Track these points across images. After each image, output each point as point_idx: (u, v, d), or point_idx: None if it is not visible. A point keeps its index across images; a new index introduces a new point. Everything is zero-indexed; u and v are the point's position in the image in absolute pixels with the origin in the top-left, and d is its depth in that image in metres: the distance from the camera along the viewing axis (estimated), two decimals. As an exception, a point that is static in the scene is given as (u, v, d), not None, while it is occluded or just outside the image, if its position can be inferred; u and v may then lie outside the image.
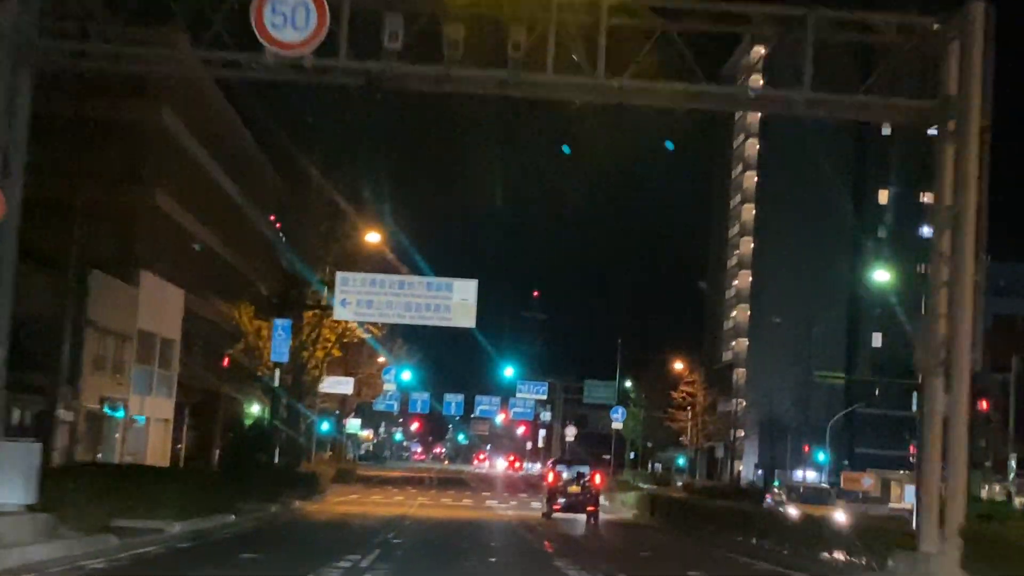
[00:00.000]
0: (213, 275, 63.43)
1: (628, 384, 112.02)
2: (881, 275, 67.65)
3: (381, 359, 75.93)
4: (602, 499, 46.25)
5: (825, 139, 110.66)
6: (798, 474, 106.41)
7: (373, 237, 49.42)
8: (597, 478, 44.50)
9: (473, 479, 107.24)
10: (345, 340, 52.12)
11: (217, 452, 59.35)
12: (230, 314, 52.43)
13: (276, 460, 46.50)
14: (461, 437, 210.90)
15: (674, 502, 46.33)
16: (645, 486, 60.69)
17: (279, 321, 43.08)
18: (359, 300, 43.56)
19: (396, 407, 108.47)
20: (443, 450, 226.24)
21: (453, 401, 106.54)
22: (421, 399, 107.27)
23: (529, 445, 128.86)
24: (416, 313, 43.86)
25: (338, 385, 71.50)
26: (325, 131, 55.45)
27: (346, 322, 51.19)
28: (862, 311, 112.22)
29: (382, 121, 69.14)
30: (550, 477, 45.13)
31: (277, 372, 43.24)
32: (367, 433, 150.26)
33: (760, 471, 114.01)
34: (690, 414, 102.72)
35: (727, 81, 68.81)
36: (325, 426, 75.07)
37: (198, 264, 62.44)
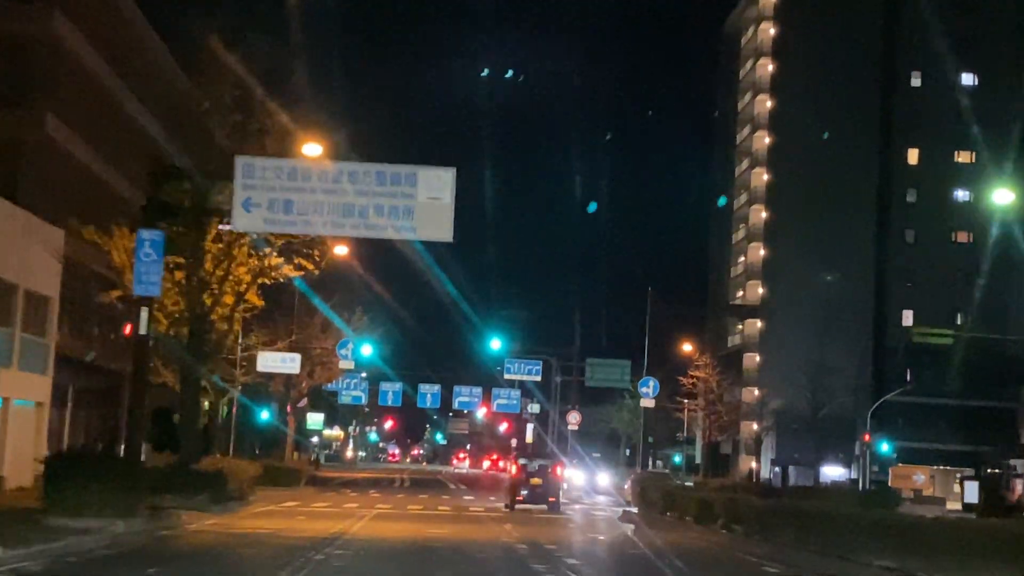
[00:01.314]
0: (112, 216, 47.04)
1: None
2: (1003, 196, 51.04)
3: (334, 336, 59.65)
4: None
5: (846, 92, 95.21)
6: (825, 471, 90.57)
7: (313, 148, 32.41)
8: (558, 470, 45.30)
9: (452, 480, 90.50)
10: (267, 281, 35.53)
11: (123, 447, 43.00)
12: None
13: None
14: (439, 437, 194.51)
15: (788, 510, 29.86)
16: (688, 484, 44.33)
17: (145, 233, 26.52)
18: (272, 201, 27.20)
19: (363, 399, 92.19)
20: (420, 451, 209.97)
21: (428, 392, 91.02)
22: (392, 390, 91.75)
23: (514, 443, 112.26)
24: (361, 220, 27.49)
25: (280, 362, 55.16)
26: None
27: (269, 258, 34.88)
28: (891, 286, 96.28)
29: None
30: (513, 470, 45.43)
31: (144, 314, 26.62)
32: (336, 432, 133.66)
33: (777, 468, 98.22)
34: (701, 403, 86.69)
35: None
36: (265, 415, 58.71)
37: (95, 204, 46.25)
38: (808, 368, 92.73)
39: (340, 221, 27.44)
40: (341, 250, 56.23)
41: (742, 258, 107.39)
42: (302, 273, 34.66)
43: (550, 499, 42.43)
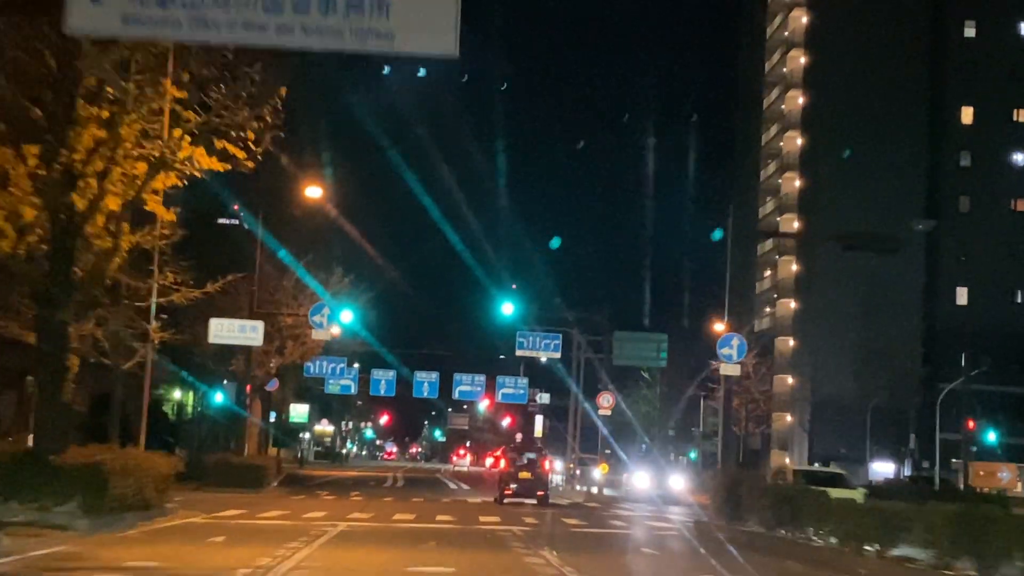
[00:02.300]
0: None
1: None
2: None
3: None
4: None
5: (891, 45, 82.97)
6: (875, 467, 78.09)
7: None
8: (546, 464, 44.60)
9: (453, 478, 77.78)
10: (177, 181, 22.84)
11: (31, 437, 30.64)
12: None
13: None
14: (437, 433, 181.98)
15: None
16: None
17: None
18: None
19: (353, 388, 79.67)
20: (419, 449, 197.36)
21: (426, 381, 78.65)
22: (385, 379, 79.54)
23: (519, 438, 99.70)
24: (296, 20, 15.11)
25: (238, 331, 42.63)
26: None
27: (175, 143, 22.28)
28: (943, 261, 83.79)
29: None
30: (502, 464, 44.59)
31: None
32: (327, 428, 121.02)
33: (816, 464, 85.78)
34: (734, 390, 74.28)
35: None
36: (219, 397, 46.22)
37: None
38: (853, 352, 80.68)
39: (259, 21, 14.90)
40: (314, 192, 43.84)
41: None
42: (227, 167, 22.15)
43: (539, 492, 41.35)
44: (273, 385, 52.51)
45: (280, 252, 45.06)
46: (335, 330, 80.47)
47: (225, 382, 47.30)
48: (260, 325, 43.28)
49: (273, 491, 44.35)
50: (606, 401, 44.73)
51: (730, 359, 31.75)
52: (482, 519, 29.50)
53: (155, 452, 26.26)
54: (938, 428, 65.57)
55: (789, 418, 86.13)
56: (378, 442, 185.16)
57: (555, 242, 73.94)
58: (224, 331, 42.90)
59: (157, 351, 32.46)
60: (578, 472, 53.70)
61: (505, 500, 40.53)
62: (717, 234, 71.86)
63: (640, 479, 35.06)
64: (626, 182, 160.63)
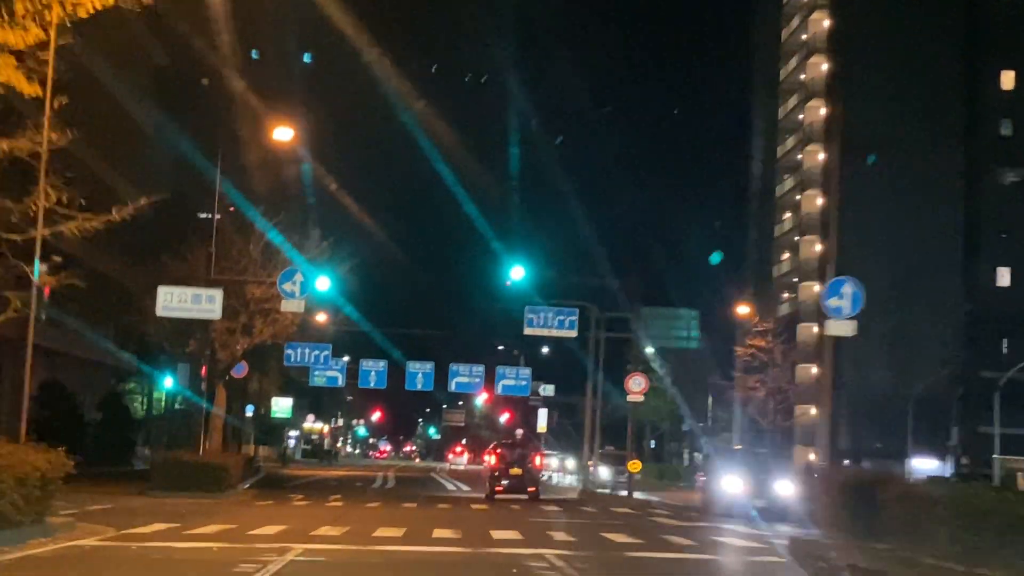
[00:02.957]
0: None
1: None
2: None
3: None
4: None
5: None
6: (916, 464, 69.94)
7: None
8: (537, 460, 42.72)
9: (450, 478, 69.48)
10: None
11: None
12: None
13: None
14: (432, 431, 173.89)
15: None
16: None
17: None
18: None
19: (340, 380, 71.42)
20: (413, 447, 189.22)
21: (420, 372, 70.60)
22: (375, 369, 71.25)
23: (519, 433, 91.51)
24: None
25: (191, 302, 34.52)
26: None
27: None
28: (983, 239, 75.68)
29: None
30: (492, 460, 42.34)
31: None
32: (316, 425, 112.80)
33: (847, 461, 77.75)
34: (759, 379, 66.14)
35: None
36: (168, 382, 38.05)
37: None
38: (885, 338, 72.72)
39: None
40: (284, 134, 35.62)
41: (787, 215, 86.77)
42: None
43: (530, 489, 40.00)
44: (241, 370, 44.29)
45: (250, 212, 36.95)
46: (321, 313, 71.97)
47: (179, 365, 39.06)
48: (218, 295, 35.17)
49: (238, 495, 36.24)
50: (637, 385, 36.41)
51: (839, 313, 23.42)
52: (496, 535, 21.31)
53: (31, 446, 18.03)
54: (997, 419, 57.43)
55: (814, 411, 78.01)
56: (371, 440, 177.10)
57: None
58: (175, 302, 34.88)
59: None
60: (598, 469, 45.34)
61: (496, 497, 39.44)
62: (715, 258, 63.21)
63: (732, 483, 26.06)
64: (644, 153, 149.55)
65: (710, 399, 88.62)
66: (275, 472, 63.73)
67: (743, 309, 65.81)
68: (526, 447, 44.45)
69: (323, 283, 35.55)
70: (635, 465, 34.21)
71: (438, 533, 21.41)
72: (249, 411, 70.05)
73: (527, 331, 42.76)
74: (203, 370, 36.74)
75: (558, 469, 56.78)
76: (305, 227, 40.04)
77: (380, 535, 20.72)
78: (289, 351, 64.13)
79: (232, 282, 36.97)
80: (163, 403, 68.52)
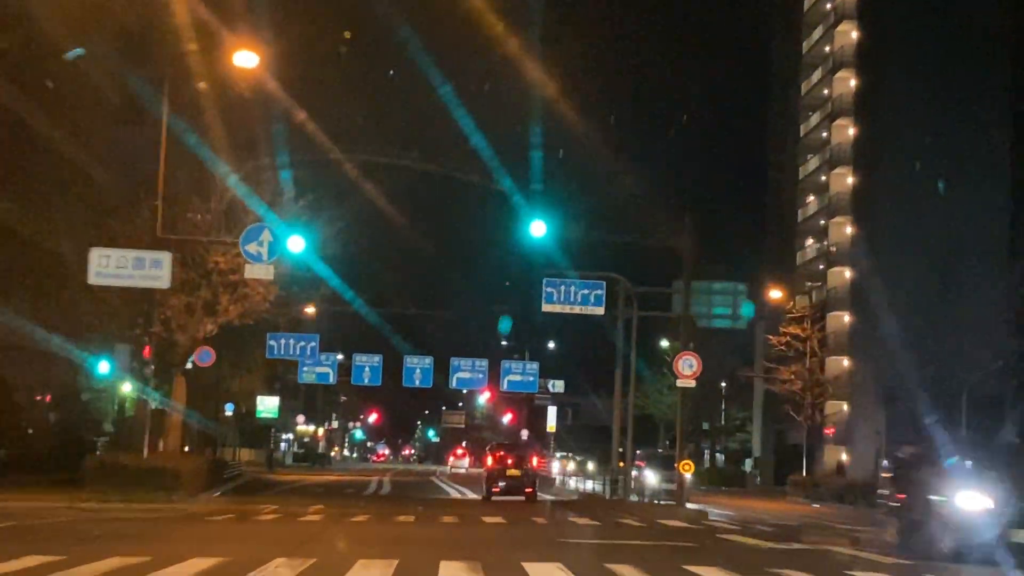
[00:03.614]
0: None
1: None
2: None
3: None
4: None
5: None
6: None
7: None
8: (535, 460, 42.26)
9: (452, 482, 61.75)
10: None
11: None
12: None
13: None
14: (431, 433, 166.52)
15: None
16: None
17: None
18: None
19: (332, 376, 64.03)
20: (412, 451, 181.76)
21: (418, 367, 63.78)
22: (369, 364, 64.58)
23: (524, 435, 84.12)
24: None
25: (132, 267, 27.16)
26: None
27: None
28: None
29: None
30: (489, 461, 41.05)
31: None
32: (309, 427, 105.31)
33: (885, 462, 70.33)
34: (792, 371, 58.72)
35: None
36: (103, 367, 30.54)
37: None
38: (926, 326, 65.50)
39: None
40: (247, 60, 28.06)
41: (810, 198, 79.42)
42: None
43: (527, 490, 39.35)
44: (208, 359, 36.75)
45: (202, 154, 29.45)
46: (310, 305, 64.54)
47: (116, 347, 31.54)
48: (166, 259, 27.77)
49: (196, 505, 28.81)
50: (688, 366, 28.70)
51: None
52: (534, 572, 13.84)
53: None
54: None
55: (846, 407, 70.58)
56: (369, 444, 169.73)
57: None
58: (111, 267, 27.52)
59: None
60: (644, 473, 37.53)
61: (492, 498, 38.60)
62: (747, 309, 54.96)
63: (973, 501, 17.03)
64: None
65: (723, 391, 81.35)
66: (259, 478, 56.29)
67: (775, 293, 58.55)
68: (523, 448, 43.25)
69: (296, 243, 28.00)
70: (688, 466, 26.70)
71: (447, 570, 13.94)
72: (229, 409, 62.63)
73: (546, 308, 35.31)
74: (146, 351, 29.22)
75: (575, 473, 49.31)
76: (278, 182, 32.48)
77: (358, 574, 13.28)
78: (272, 342, 56.92)
79: (183, 243, 29.52)
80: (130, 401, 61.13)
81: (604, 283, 35.50)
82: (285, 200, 32.15)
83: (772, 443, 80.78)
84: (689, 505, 28.63)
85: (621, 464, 38.61)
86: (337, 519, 25.43)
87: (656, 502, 31.46)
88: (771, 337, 58.84)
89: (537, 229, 27.79)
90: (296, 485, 48.91)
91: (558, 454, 67.86)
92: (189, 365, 36.58)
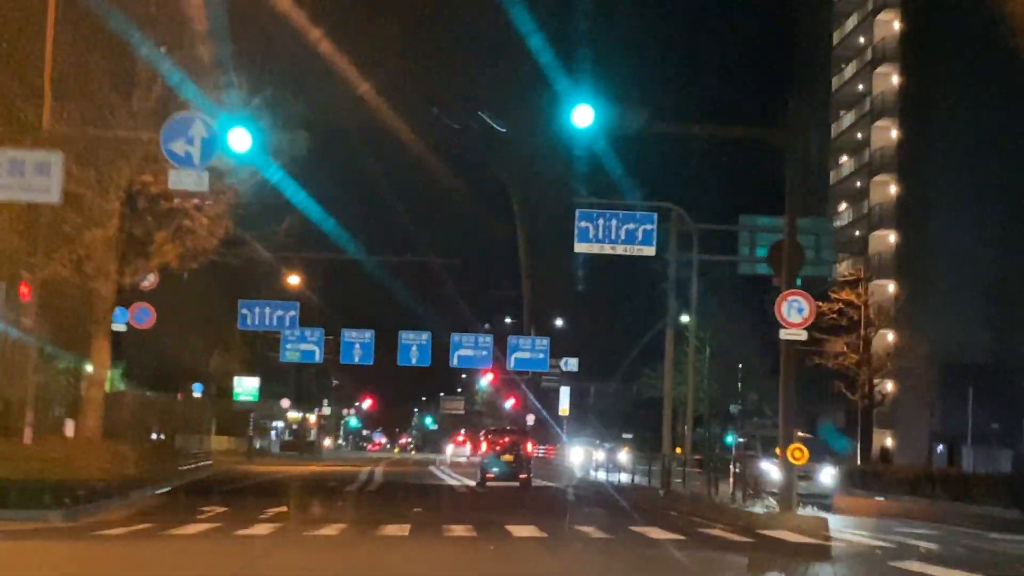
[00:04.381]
0: None
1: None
2: None
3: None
4: None
5: None
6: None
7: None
8: (528, 446, 40.20)
9: (453, 472, 52.61)
10: None
11: None
12: None
13: None
14: (428, 421, 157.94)
15: None
16: None
17: None
18: None
19: (318, 354, 55.48)
20: (409, 439, 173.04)
21: (414, 343, 55.67)
22: (360, 342, 56.46)
23: (530, 420, 75.40)
24: None
25: (6, 175, 18.59)
26: None
27: None
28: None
29: None
30: (483, 447, 40.68)
31: None
32: (298, 415, 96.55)
33: (940, 446, 61.75)
34: (850, 344, 50.03)
35: None
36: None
37: None
38: (982, 296, 57.27)
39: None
40: None
41: (844, 158, 70.79)
42: None
43: (521, 476, 37.34)
44: (146, 318, 28.08)
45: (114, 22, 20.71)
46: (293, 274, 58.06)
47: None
48: (55, 161, 19.18)
49: (100, 512, 20.26)
50: (797, 310, 19.15)
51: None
52: None
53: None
54: None
55: (891, 386, 61.89)
56: (365, 432, 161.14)
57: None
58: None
59: None
60: (758, 465, 26.06)
61: (486, 484, 37.41)
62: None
63: None
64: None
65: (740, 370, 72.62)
66: (232, 469, 47.49)
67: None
68: (518, 433, 42.36)
69: (240, 138, 19.22)
70: (801, 453, 18.08)
71: None
72: (197, 390, 54.01)
73: (579, 248, 26.69)
74: (22, 289, 20.53)
75: (606, 463, 40.69)
76: (228, 72, 23.57)
77: None
78: (245, 311, 48.39)
79: (81, 138, 20.80)
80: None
81: (655, 215, 26.79)
82: (230, 92, 23.24)
83: (802, 428, 72.12)
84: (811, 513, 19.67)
85: (680, 451, 29.81)
86: (294, 533, 16.83)
87: (720, 502, 22.26)
88: (821, 304, 50.26)
89: (582, 116, 19.07)
90: (270, 478, 40.22)
91: (577, 440, 59.16)
92: (123, 327, 27.91)
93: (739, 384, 74.61)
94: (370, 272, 58.06)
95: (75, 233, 23.78)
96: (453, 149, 73.04)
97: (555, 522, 19.84)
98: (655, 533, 17.55)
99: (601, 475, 40.10)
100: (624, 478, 35.58)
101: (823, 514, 19.83)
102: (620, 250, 26.64)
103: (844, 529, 19.68)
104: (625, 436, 71.52)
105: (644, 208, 27.11)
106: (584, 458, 47.88)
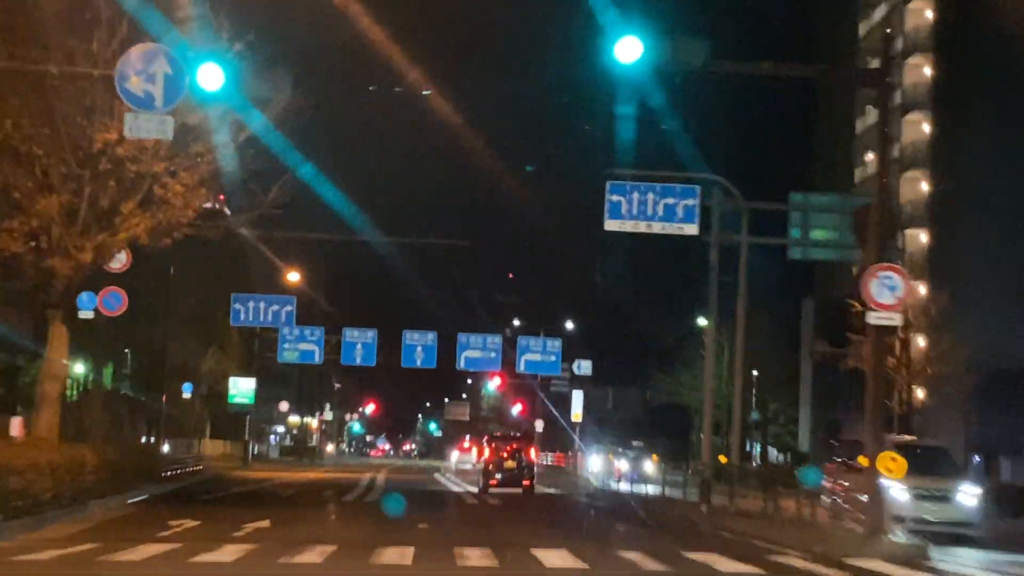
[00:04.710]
0: None
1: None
2: None
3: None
4: None
5: None
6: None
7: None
8: (532, 452, 39.75)
9: (459, 479, 48.90)
10: None
11: None
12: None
13: None
14: (432, 427, 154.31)
15: None
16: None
17: None
18: None
19: (317, 355, 52.31)
20: (412, 445, 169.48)
21: (419, 344, 52.73)
22: (362, 342, 53.64)
23: (539, 426, 71.87)
24: None
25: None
26: None
27: None
28: None
29: None
30: (486, 453, 39.48)
31: None
32: (297, 419, 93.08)
33: (977, 458, 57.92)
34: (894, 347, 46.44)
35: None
36: None
37: None
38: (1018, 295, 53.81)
39: None
40: None
41: (869, 155, 67.14)
42: None
43: (524, 483, 37.08)
44: (117, 304, 24.55)
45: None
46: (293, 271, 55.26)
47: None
48: None
49: (46, 527, 16.74)
50: (890, 289, 15.36)
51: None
52: None
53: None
54: None
55: (921, 393, 58.20)
56: (368, 438, 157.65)
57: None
58: None
59: None
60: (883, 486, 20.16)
61: (490, 490, 36.50)
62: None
63: None
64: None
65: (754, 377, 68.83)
66: (222, 475, 43.88)
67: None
68: (520, 439, 41.84)
69: (210, 76, 15.70)
70: (896, 464, 14.40)
71: None
72: (187, 391, 50.45)
73: (609, 225, 23.13)
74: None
75: (630, 472, 37.21)
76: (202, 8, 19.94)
77: None
78: (238, 305, 45.08)
79: (16, 71, 17.22)
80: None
81: (698, 188, 23.21)
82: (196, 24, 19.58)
83: (823, 436, 68.50)
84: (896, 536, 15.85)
85: (724, 459, 26.18)
86: (266, 560, 13.21)
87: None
88: (854, 303, 46.70)
89: (627, 50, 15.47)
90: (262, 486, 36.61)
91: (594, 448, 55.44)
92: (90, 314, 24.34)
93: (753, 391, 70.95)
94: (374, 261, 54.73)
95: (26, 201, 20.25)
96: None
97: (590, 545, 16.20)
98: (721, 563, 13.90)
99: (624, 486, 36.46)
100: (651, 489, 31.90)
101: (976, 551, 15.86)
102: (657, 228, 23.11)
103: (974, 564, 15.78)
104: (635, 444, 67.92)
105: (683, 181, 23.46)
106: (603, 467, 44.27)
